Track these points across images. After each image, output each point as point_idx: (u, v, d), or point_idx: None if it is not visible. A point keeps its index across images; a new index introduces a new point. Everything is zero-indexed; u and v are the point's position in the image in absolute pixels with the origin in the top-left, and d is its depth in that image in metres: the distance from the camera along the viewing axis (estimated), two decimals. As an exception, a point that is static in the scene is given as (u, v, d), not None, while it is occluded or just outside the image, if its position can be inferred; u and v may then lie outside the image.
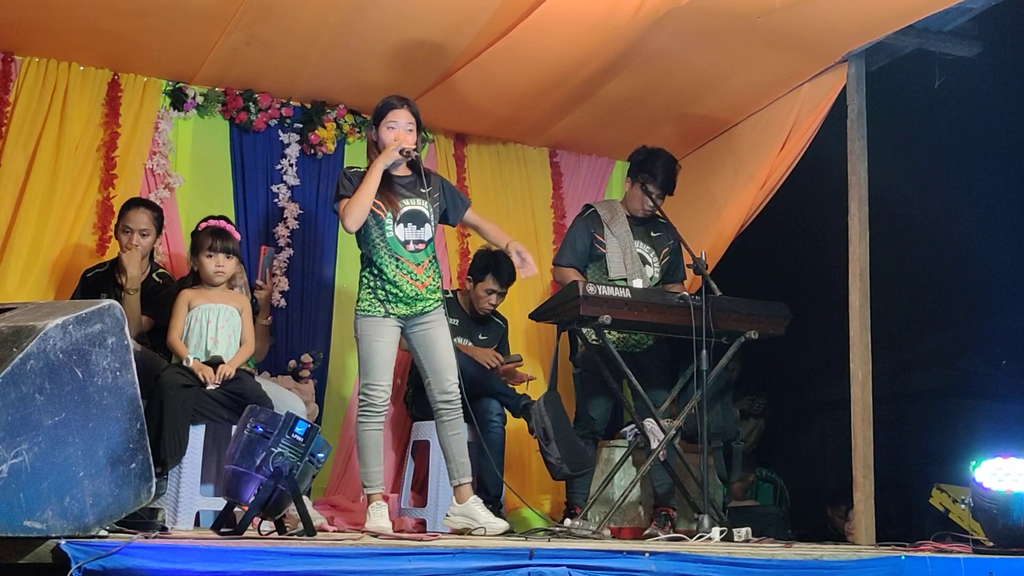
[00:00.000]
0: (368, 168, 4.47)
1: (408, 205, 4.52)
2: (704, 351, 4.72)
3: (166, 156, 5.67)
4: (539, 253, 6.51)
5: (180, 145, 5.76)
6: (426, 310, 4.52)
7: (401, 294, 4.47)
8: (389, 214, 4.47)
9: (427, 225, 4.54)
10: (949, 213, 6.40)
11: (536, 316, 5.07)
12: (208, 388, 4.46)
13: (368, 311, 4.50)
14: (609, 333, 5.02)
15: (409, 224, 4.50)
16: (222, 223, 4.82)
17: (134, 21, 5.08)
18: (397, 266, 4.47)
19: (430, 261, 4.55)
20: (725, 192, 6.17)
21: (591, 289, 4.67)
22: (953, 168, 6.38)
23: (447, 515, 4.60)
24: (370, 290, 4.51)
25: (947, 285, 6.51)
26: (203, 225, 4.84)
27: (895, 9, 5.04)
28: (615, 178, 6.75)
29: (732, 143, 6.29)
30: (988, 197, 6.35)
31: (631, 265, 5.28)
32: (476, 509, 4.47)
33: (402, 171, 4.57)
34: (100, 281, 4.99)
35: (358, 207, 4.42)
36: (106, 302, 3.07)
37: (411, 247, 4.50)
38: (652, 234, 5.44)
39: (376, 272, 4.49)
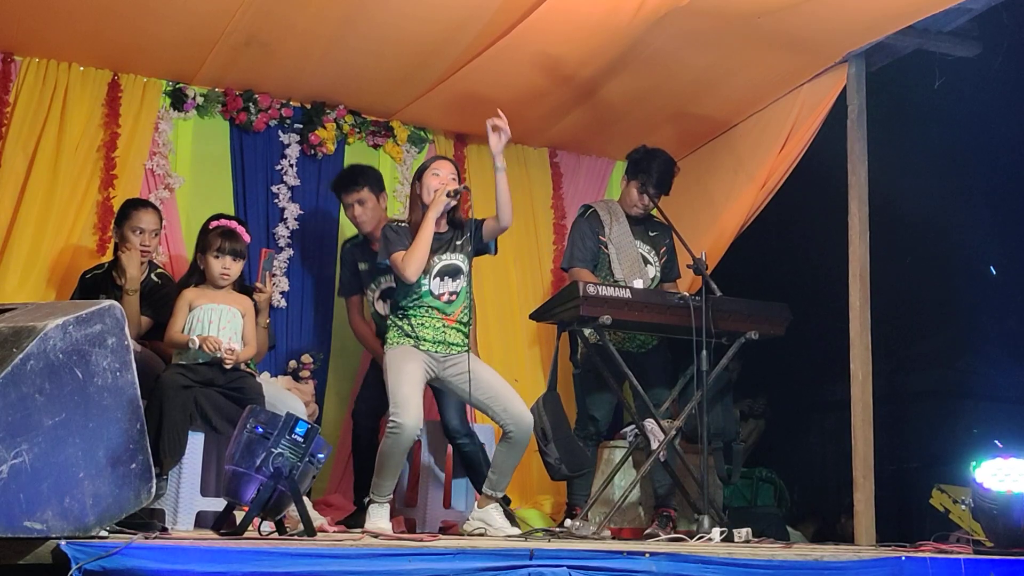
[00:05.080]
0: (422, 219, 4.54)
1: (443, 261, 4.61)
2: (704, 352, 4.73)
3: (166, 156, 5.67)
4: (539, 253, 6.53)
5: (180, 145, 5.76)
6: (452, 353, 4.59)
7: (424, 335, 4.55)
8: (423, 272, 4.55)
9: (461, 276, 4.63)
10: (949, 213, 6.39)
11: (536, 316, 5.07)
12: (220, 353, 4.47)
13: (397, 343, 4.58)
14: (612, 334, 5.02)
15: (445, 278, 4.60)
16: (233, 224, 4.79)
17: (134, 21, 5.08)
18: (427, 314, 4.56)
19: (463, 309, 4.63)
20: (725, 192, 6.17)
21: (591, 289, 4.67)
22: (953, 168, 6.38)
23: (467, 519, 4.65)
24: (397, 328, 4.61)
25: (947, 285, 6.51)
26: (214, 224, 4.80)
27: (895, 9, 5.05)
28: (615, 178, 6.75)
29: (732, 143, 6.29)
30: (988, 197, 6.35)
31: (634, 266, 5.28)
32: (493, 514, 4.52)
33: (439, 227, 4.63)
34: (99, 282, 4.99)
35: (417, 258, 4.50)
36: (106, 302, 3.07)
37: (445, 298, 4.59)
38: (650, 233, 5.45)
39: (404, 317, 4.59)
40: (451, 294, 4.61)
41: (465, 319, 4.63)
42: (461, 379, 4.53)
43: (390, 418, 4.45)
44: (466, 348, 4.61)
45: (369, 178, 5.36)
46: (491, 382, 4.57)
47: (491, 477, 4.61)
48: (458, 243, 4.66)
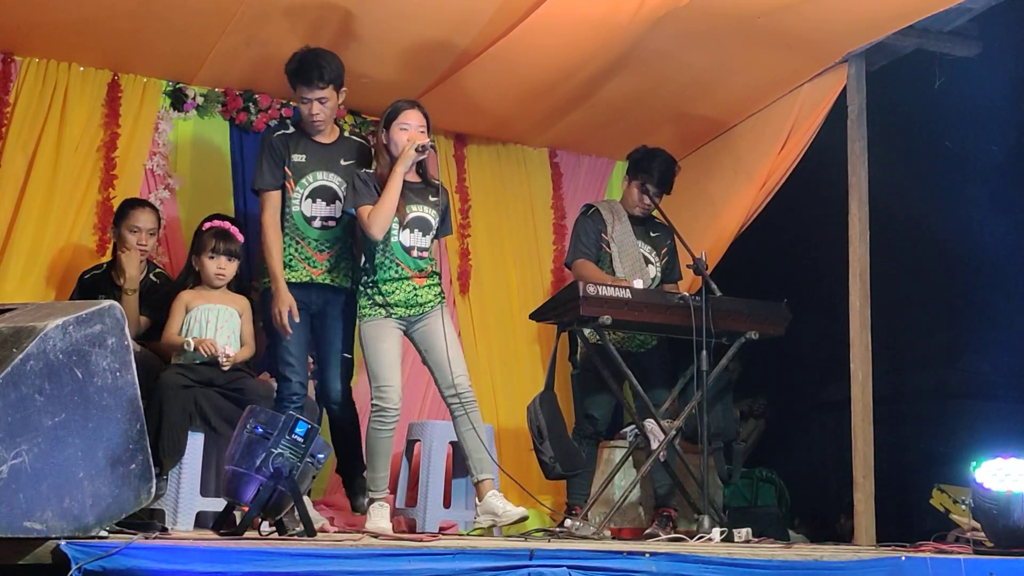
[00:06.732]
0: (390, 173, 4.48)
1: (415, 212, 4.56)
2: (704, 351, 4.73)
3: (166, 157, 5.67)
4: (539, 253, 6.53)
5: (180, 146, 5.76)
6: (425, 312, 4.56)
7: (396, 300, 4.51)
8: (396, 219, 4.50)
9: (431, 233, 4.59)
10: (949, 213, 6.40)
11: (536, 316, 5.07)
12: (220, 357, 4.48)
13: (370, 315, 4.53)
14: (612, 333, 5.02)
15: (415, 231, 4.55)
16: (226, 224, 4.81)
17: (134, 22, 5.08)
18: (397, 271, 4.51)
19: (432, 270, 4.59)
20: (725, 193, 6.17)
21: (591, 289, 4.67)
22: (953, 168, 6.38)
23: (475, 516, 4.60)
24: (367, 296, 4.56)
25: (947, 285, 6.51)
26: (207, 225, 4.83)
27: (895, 9, 5.05)
28: (615, 178, 6.75)
29: (732, 144, 6.29)
30: (988, 197, 6.35)
31: (635, 265, 5.29)
32: (494, 502, 4.44)
33: (411, 176, 4.59)
34: (98, 283, 4.99)
35: (384, 215, 4.44)
36: (106, 303, 3.07)
37: (415, 253, 4.54)
38: (651, 234, 5.45)
39: (372, 279, 4.54)
40: (421, 250, 4.55)
41: (433, 292, 4.58)
42: (423, 334, 4.55)
43: (373, 402, 4.47)
44: (438, 301, 4.60)
45: (334, 73, 4.71)
46: (444, 347, 4.52)
47: (469, 462, 4.57)
48: (432, 199, 4.61)
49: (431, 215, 4.58)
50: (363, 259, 4.64)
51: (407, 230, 4.53)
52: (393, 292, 4.50)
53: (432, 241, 4.61)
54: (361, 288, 4.60)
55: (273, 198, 4.73)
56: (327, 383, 4.80)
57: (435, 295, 4.59)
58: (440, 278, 4.67)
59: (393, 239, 4.51)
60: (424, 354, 4.60)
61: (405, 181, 4.52)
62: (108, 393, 3.00)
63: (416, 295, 4.53)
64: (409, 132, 4.53)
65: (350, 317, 4.77)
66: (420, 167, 4.62)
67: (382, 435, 4.47)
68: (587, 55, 5.38)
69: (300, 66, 4.71)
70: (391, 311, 4.51)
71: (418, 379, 5.74)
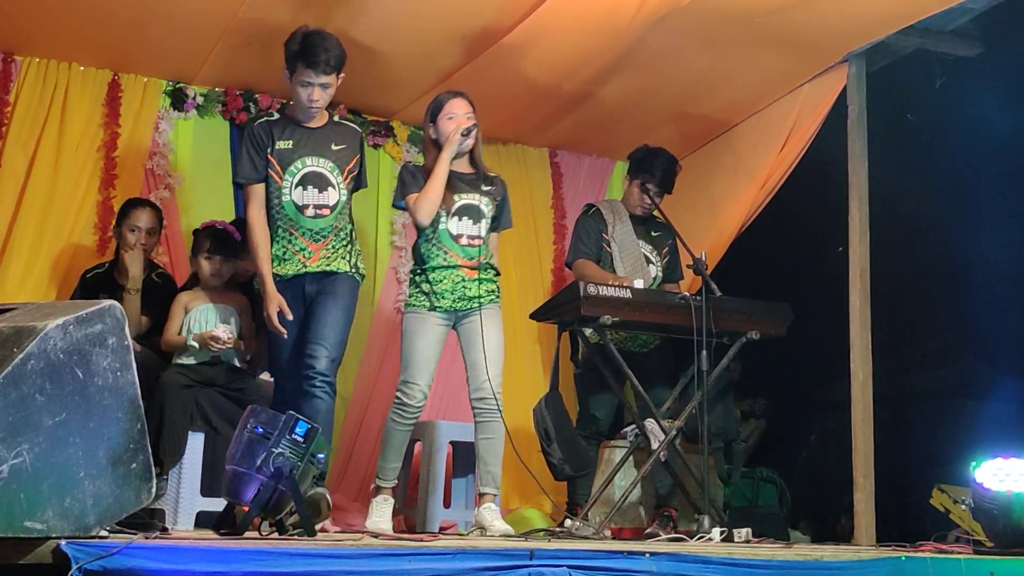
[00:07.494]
0: (436, 160, 4.47)
1: (464, 199, 4.54)
2: (705, 351, 4.72)
3: (166, 156, 5.67)
4: (539, 253, 6.54)
5: (180, 145, 5.76)
6: (473, 308, 4.51)
7: (442, 290, 4.48)
8: (443, 207, 4.48)
9: (484, 221, 4.56)
10: (949, 213, 6.39)
11: (537, 316, 5.07)
12: (218, 335, 4.49)
13: (414, 305, 4.52)
14: (613, 333, 5.02)
15: (464, 218, 4.53)
16: (222, 224, 4.83)
17: (134, 21, 5.09)
18: (445, 259, 4.50)
19: (487, 262, 4.56)
20: (725, 192, 6.17)
21: (592, 289, 4.66)
22: (953, 168, 6.37)
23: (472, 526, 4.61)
24: (415, 284, 4.55)
25: (947, 286, 6.51)
26: (203, 225, 4.86)
27: (896, 9, 5.05)
28: (615, 178, 6.76)
29: (732, 143, 6.29)
30: (988, 197, 6.35)
31: (636, 264, 5.29)
32: (485, 515, 4.46)
33: (463, 167, 4.59)
34: (99, 282, 5.00)
35: (429, 200, 4.44)
36: (107, 302, 3.07)
37: (464, 241, 4.52)
38: (653, 233, 5.45)
39: (421, 268, 4.53)
40: (471, 238, 4.52)
41: (487, 288, 4.54)
42: (466, 330, 4.50)
43: (396, 394, 4.46)
44: (491, 299, 4.56)
45: (340, 60, 4.49)
46: (480, 347, 4.46)
47: (478, 470, 4.57)
48: (484, 188, 4.59)
49: (483, 203, 4.57)
50: (415, 245, 4.63)
51: (455, 218, 4.51)
52: (440, 281, 4.48)
53: (488, 232, 4.59)
54: (411, 277, 4.60)
55: (257, 191, 4.49)
56: (311, 349, 4.36)
57: (487, 291, 4.54)
58: (497, 274, 4.64)
59: (441, 226, 4.50)
60: (464, 352, 4.56)
61: (456, 171, 4.53)
62: (109, 393, 2.99)
63: (465, 287, 4.49)
64: (457, 120, 4.52)
65: (347, 296, 4.49)
66: (473, 158, 4.61)
67: (399, 428, 4.46)
68: (588, 55, 5.38)
69: (306, 48, 4.46)
70: (436, 302, 4.47)
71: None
